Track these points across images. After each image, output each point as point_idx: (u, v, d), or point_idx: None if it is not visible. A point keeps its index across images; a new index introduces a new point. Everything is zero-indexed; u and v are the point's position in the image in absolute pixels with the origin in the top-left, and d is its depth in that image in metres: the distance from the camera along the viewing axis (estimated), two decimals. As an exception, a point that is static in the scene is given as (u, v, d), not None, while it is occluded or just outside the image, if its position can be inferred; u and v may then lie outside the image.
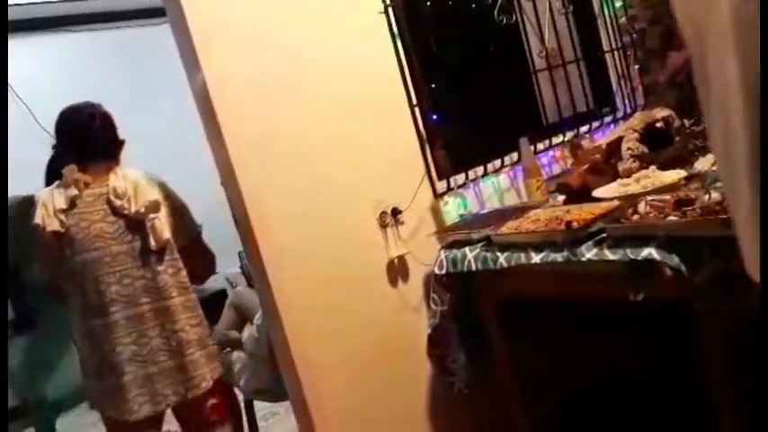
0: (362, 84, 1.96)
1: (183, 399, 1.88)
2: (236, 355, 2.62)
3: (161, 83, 4.79)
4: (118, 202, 1.80)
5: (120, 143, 2.00)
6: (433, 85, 2.13)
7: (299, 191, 1.82)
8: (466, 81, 2.28)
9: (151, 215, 1.82)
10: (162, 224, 1.83)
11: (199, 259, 2.01)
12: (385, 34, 2.02)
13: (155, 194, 1.84)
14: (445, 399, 2.01)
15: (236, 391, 2.73)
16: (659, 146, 1.99)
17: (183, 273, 1.91)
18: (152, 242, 1.81)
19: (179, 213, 1.93)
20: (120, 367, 1.80)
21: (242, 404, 2.83)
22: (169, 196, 1.92)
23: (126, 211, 1.81)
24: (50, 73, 4.90)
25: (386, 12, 2.01)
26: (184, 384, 1.87)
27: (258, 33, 1.79)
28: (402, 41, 2.04)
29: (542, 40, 2.45)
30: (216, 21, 1.72)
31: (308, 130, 1.85)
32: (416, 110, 2.06)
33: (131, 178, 1.85)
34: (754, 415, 1.37)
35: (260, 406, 2.93)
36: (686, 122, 2.26)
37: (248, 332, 2.53)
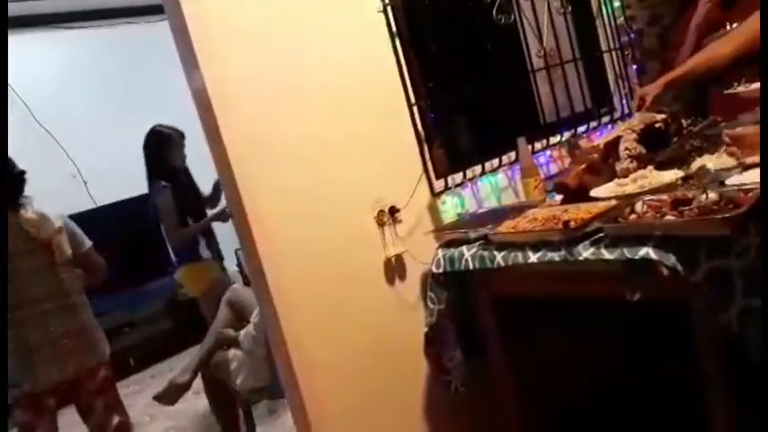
0: (361, 82, 1.96)
1: (78, 372, 2.42)
2: (233, 353, 2.61)
3: (158, 80, 4.79)
4: (32, 230, 2.33)
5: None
6: (432, 85, 2.13)
7: (297, 188, 1.82)
8: (464, 80, 2.28)
9: (56, 238, 2.38)
10: (65, 244, 2.41)
11: (91, 269, 2.59)
12: (384, 33, 2.02)
13: (58, 223, 2.42)
14: (443, 397, 2.02)
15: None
16: (657, 146, 1.99)
17: (79, 280, 2.50)
18: (57, 258, 2.38)
19: (74, 236, 2.50)
20: (32, 349, 2.33)
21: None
22: (66, 224, 2.48)
23: (37, 236, 2.34)
24: (45, 70, 4.89)
25: (384, 11, 2.01)
26: (78, 363, 2.41)
27: (257, 32, 1.79)
28: (400, 40, 2.04)
29: (541, 40, 2.45)
30: (215, 19, 1.72)
31: (306, 129, 1.85)
32: (415, 109, 2.06)
33: (38, 211, 2.39)
34: (750, 415, 1.38)
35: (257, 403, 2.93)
36: (684, 123, 2.27)
37: (245, 330, 2.53)
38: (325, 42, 1.91)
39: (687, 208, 1.42)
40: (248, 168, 1.74)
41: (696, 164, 1.85)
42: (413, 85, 2.06)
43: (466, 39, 2.35)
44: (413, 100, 2.05)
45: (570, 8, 2.58)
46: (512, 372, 1.90)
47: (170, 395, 2.72)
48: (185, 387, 2.69)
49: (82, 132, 4.84)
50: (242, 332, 2.55)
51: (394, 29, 2.03)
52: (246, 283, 2.85)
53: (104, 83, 5.12)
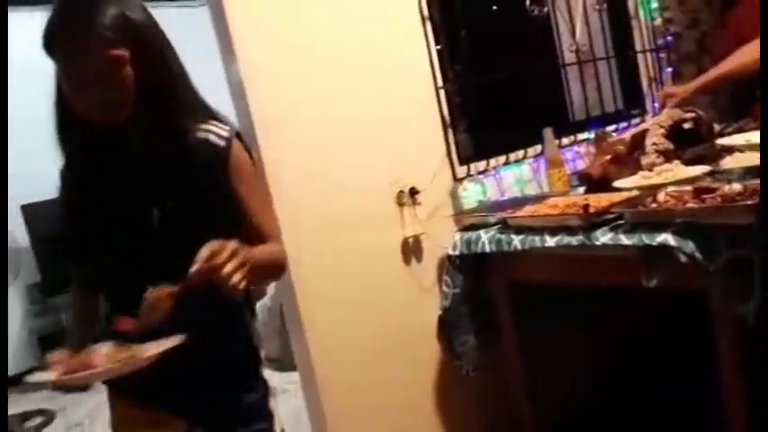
0: (389, 63, 1.97)
1: None
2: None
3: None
4: None
5: None
6: (459, 68, 2.12)
7: (319, 165, 1.83)
8: (493, 68, 2.27)
9: None
10: None
11: None
12: (415, 15, 2.03)
13: None
14: (455, 380, 2.01)
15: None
16: (685, 145, 1.96)
17: None
18: None
19: None
20: None
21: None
22: None
23: None
24: (23, 52, 4.84)
25: (417, -7, 2.02)
26: None
27: (287, 13, 1.80)
28: (431, 23, 2.05)
29: (573, 35, 2.44)
30: (250, 5, 1.73)
31: (331, 108, 1.86)
32: (441, 92, 2.06)
33: None
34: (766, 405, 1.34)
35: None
36: (717, 127, 2.23)
37: (260, 302, 2.55)
38: (354, 23, 1.92)
39: (710, 196, 1.40)
40: (271, 144, 1.75)
41: (725, 162, 1.82)
42: (441, 69, 2.06)
43: (497, 26, 2.34)
44: (440, 83, 2.06)
45: (606, 5, 2.55)
46: (524, 357, 1.89)
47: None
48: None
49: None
50: (257, 303, 2.58)
51: (425, 12, 2.04)
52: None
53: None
